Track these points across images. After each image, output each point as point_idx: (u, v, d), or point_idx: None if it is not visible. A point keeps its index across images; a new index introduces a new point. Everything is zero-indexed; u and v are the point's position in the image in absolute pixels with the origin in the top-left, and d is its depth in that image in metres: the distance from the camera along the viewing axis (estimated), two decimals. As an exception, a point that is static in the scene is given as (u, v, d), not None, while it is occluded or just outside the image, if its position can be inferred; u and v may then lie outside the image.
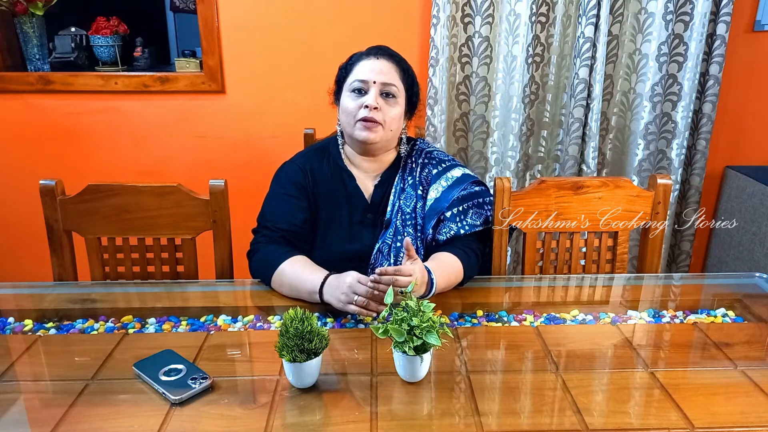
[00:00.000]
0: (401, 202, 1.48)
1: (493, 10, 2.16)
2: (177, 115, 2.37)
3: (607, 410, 0.98)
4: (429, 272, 1.30)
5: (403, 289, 1.16)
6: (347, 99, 1.42)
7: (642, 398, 1.02)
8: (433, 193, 1.47)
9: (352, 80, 1.41)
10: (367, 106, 1.38)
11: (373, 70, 1.40)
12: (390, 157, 1.51)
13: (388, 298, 1.06)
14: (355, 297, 1.21)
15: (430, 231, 1.46)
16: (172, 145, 2.41)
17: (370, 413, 0.96)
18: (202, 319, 1.28)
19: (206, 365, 1.09)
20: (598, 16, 2.12)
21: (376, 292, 1.20)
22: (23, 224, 2.44)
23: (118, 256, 1.58)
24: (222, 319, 1.28)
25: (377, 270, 1.18)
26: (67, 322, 1.26)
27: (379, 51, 1.44)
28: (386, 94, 1.40)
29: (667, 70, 2.22)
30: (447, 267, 1.37)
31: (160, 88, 2.33)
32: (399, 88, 1.41)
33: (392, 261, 1.45)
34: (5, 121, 2.36)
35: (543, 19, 2.20)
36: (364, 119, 1.38)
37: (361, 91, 1.40)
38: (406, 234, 1.46)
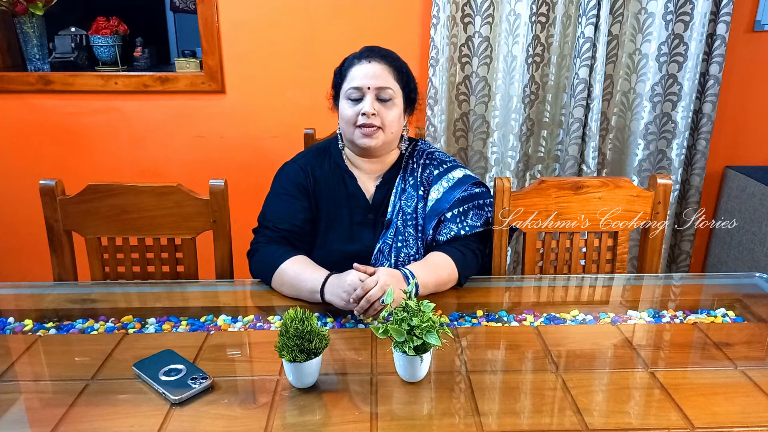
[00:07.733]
0: (402, 202, 1.48)
1: (493, 10, 2.16)
2: (177, 115, 2.37)
3: (607, 410, 0.98)
4: (404, 273, 1.30)
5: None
6: (344, 106, 1.41)
7: (642, 398, 1.02)
8: (434, 193, 1.47)
9: (347, 87, 1.40)
10: (364, 114, 1.37)
11: (367, 76, 1.38)
12: (392, 157, 1.51)
13: (388, 298, 1.06)
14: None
15: (431, 231, 1.46)
16: (172, 145, 2.41)
17: (370, 413, 0.96)
18: (202, 319, 1.28)
19: (206, 365, 1.09)
20: (598, 16, 2.12)
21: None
22: (23, 224, 2.43)
23: (118, 256, 1.58)
24: (222, 319, 1.28)
25: (355, 310, 1.22)
26: (67, 322, 1.26)
27: (371, 53, 1.42)
28: (382, 98, 1.39)
29: (667, 70, 2.22)
30: (434, 266, 1.37)
31: (160, 88, 2.33)
32: (395, 90, 1.41)
33: (392, 261, 1.45)
34: (5, 121, 2.36)
35: (543, 19, 2.20)
36: (363, 126, 1.38)
37: (357, 98, 1.40)
38: (406, 234, 1.46)
